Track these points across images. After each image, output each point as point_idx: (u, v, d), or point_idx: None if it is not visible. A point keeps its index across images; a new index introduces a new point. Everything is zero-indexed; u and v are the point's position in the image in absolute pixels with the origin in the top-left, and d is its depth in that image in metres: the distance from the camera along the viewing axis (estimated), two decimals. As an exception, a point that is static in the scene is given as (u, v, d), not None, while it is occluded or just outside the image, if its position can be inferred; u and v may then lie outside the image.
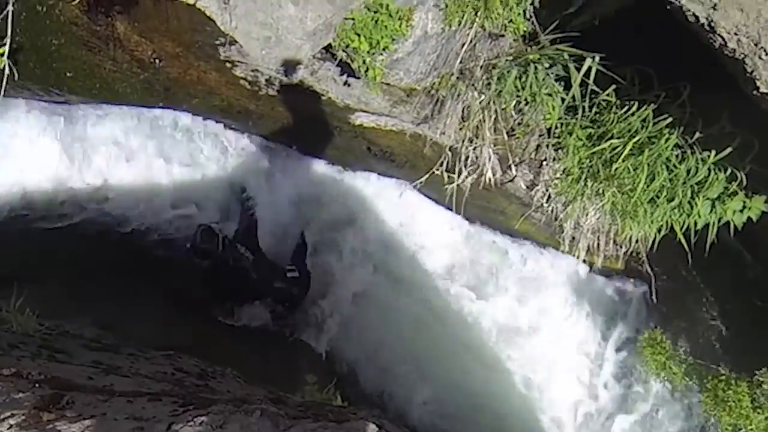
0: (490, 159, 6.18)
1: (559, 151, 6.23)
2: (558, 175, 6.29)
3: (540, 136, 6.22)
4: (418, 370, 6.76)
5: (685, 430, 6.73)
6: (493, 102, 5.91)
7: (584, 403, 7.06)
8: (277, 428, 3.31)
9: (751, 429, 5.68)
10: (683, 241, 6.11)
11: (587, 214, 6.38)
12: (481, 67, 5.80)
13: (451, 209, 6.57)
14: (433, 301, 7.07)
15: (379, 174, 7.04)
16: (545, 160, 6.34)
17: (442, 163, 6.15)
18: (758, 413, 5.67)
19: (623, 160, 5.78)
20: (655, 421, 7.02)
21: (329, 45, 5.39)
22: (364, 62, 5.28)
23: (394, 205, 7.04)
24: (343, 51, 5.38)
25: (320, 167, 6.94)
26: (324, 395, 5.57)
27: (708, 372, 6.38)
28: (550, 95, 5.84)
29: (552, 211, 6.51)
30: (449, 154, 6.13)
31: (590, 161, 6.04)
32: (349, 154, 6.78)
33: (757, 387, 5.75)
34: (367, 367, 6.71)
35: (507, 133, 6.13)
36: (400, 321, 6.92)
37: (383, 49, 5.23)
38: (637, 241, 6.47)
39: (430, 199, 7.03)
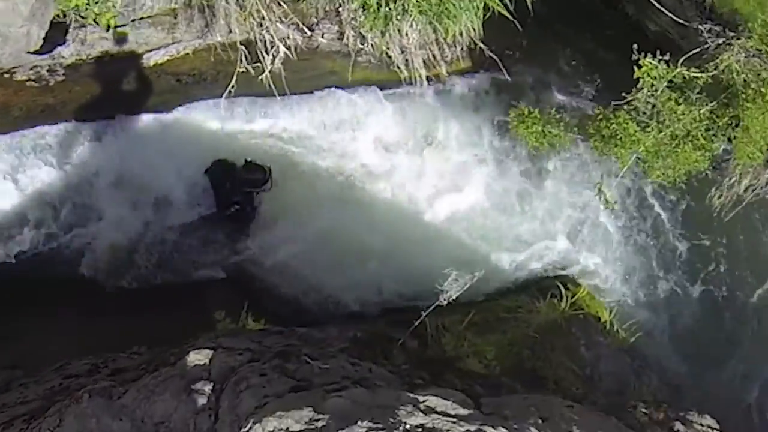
0: (286, 33, 6.04)
1: (348, -9, 6.04)
2: (359, 13, 6.13)
3: (322, -13, 6.03)
4: (329, 252, 6.81)
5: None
6: (259, -21, 5.72)
7: (483, 202, 7.14)
8: (111, 399, 3.52)
9: (644, 151, 5.76)
10: (505, 13, 6.10)
11: (406, 35, 6.26)
12: (226, -47, 5.57)
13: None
14: (318, 182, 7.04)
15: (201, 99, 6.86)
16: (339, 6, 6.17)
17: (243, 59, 6.02)
18: (646, 133, 5.73)
19: (408, -32, 5.63)
20: (560, 188, 7.13)
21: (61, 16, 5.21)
22: (95, 14, 5.10)
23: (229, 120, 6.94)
24: (74, 15, 5.20)
25: (149, 120, 6.76)
26: (240, 324, 5.78)
27: (586, 118, 6.42)
28: (305, -54, 5.62)
29: (374, 49, 6.39)
30: (246, 48, 5.99)
31: (379, -15, 5.87)
32: (165, 95, 6.62)
33: (633, 109, 5.78)
34: (273, 276, 6.79)
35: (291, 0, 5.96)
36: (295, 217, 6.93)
37: (102, -5, 5.04)
38: (467, 34, 6.37)
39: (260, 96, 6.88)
